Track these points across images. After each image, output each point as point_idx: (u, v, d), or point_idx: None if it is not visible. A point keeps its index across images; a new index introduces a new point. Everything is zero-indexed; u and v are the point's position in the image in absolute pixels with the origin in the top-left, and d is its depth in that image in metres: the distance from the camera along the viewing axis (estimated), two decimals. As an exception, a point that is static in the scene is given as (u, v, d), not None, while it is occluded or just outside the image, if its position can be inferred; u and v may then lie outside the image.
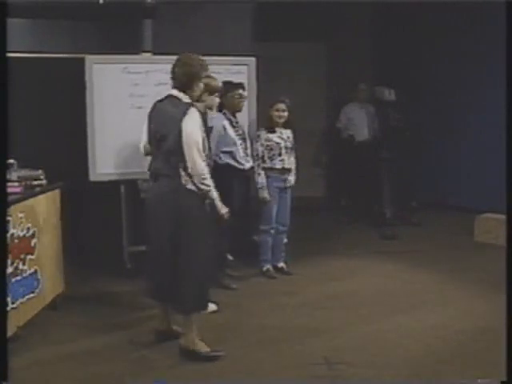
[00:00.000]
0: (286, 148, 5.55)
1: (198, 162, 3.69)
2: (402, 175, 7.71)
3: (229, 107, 5.28)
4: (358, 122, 7.88)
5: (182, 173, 3.73)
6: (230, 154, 5.19)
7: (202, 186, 3.75)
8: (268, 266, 5.64)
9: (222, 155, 5.16)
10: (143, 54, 5.95)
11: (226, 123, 5.20)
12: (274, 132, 5.52)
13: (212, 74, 4.67)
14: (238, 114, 5.40)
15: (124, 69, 5.49)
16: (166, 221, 3.78)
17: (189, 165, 3.68)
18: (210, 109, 4.72)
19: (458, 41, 7.97)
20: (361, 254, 6.35)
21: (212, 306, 4.65)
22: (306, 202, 7.09)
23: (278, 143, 5.51)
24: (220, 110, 5.24)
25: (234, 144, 5.22)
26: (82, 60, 5.37)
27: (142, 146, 4.12)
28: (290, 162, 5.58)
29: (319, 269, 5.82)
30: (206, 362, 3.79)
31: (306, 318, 4.55)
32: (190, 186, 3.75)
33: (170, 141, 3.72)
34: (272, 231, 5.59)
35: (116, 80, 5.45)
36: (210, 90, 4.61)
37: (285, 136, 5.57)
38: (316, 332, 4.28)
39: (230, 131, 5.20)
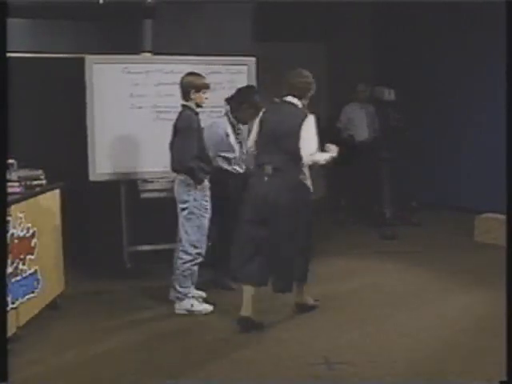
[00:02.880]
0: None
1: (308, 152, 4.16)
2: (401, 175, 7.71)
3: (237, 116, 5.15)
4: (358, 122, 7.87)
5: (300, 168, 4.24)
6: (227, 159, 5.13)
7: (312, 161, 4.25)
8: None
9: (218, 159, 5.08)
10: (143, 54, 5.96)
11: (229, 129, 5.13)
12: None
13: (200, 73, 4.73)
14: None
15: (124, 69, 5.50)
16: (284, 212, 4.17)
17: (303, 158, 4.16)
18: (200, 106, 4.68)
19: (458, 41, 7.97)
20: (361, 254, 6.34)
21: (208, 307, 4.69)
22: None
23: None
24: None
25: (233, 151, 5.14)
26: (82, 60, 5.38)
27: (251, 143, 4.52)
28: None
29: (319, 269, 5.79)
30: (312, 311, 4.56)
31: (306, 318, 4.54)
32: (306, 181, 4.28)
33: (291, 140, 4.15)
34: None
35: (116, 80, 5.47)
36: (194, 87, 4.60)
37: None
38: (316, 332, 4.28)
39: (232, 137, 5.13)
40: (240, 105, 5.12)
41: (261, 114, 4.45)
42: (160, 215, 5.54)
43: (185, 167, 4.52)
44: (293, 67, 4.53)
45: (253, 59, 5.90)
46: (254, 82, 5.76)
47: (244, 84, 5.60)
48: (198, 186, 4.58)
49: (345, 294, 5.08)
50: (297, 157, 4.19)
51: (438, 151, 8.35)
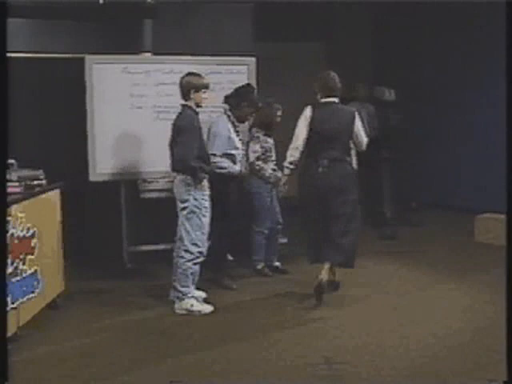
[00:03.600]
0: (274, 149, 5.67)
1: (365, 142, 4.99)
2: (402, 175, 7.70)
3: (236, 114, 5.21)
4: (359, 122, 7.86)
5: (353, 158, 5.12)
6: (231, 157, 5.15)
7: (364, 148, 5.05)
8: (262, 265, 5.66)
9: (222, 157, 5.09)
10: (143, 53, 5.96)
11: (230, 127, 5.16)
12: (270, 135, 5.60)
13: (200, 73, 4.75)
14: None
15: (124, 69, 5.51)
16: (342, 195, 4.79)
17: (362, 147, 4.99)
18: (199, 106, 4.70)
19: (459, 40, 7.97)
20: (360, 254, 6.26)
21: (208, 307, 4.69)
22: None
23: (272, 144, 5.63)
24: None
25: (236, 148, 5.18)
26: (82, 60, 5.38)
27: (301, 142, 4.85)
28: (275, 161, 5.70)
29: (318, 269, 5.80)
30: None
31: (306, 318, 4.55)
32: (356, 168, 5.19)
33: (346, 135, 4.85)
34: (266, 231, 5.63)
35: (116, 80, 5.48)
36: (194, 87, 4.61)
37: (272, 137, 5.69)
38: (316, 332, 4.28)
39: (233, 135, 5.16)
40: (239, 103, 5.16)
41: (309, 113, 4.84)
42: (160, 215, 5.56)
43: (186, 167, 4.54)
44: (325, 70, 5.15)
45: (253, 59, 5.91)
46: (254, 82, 5.77)
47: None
48: (198, 186, 4.59)
49: (344, 294, 5.08)
50: (349, 148, 4.96)
51: (437, 151, 8.35)
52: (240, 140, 5.28)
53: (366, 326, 4.36)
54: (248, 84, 5.43)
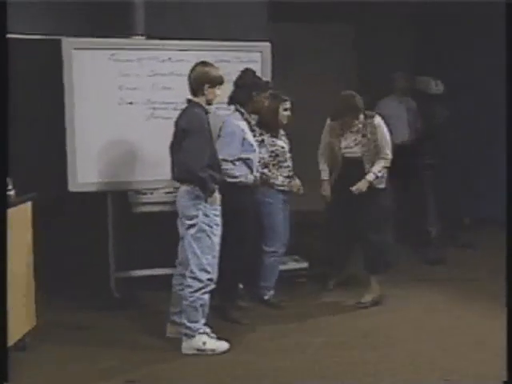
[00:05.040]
0: (289, 152, 5.64)
1: None
2: (451, 185, 7.59)
3: (251, 108, 5.20)
4: (396, 120, 7.70)
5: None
6: (248, 161, 5.11)
7: None
8: (271, 293, 5.63)
9: (237, 163, 5.06)
10: (134, 37, 5.91)
11: (245, 126, 5.13)
12: (276, 135, 5.57)
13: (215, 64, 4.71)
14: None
15: (111, 56, 5.50)
16: None
17: None
18: (209, 104, 4.65)
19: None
20: (398, 281, 6.23)
21: (224, 345, 4.63)
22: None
23: (283, 147, 5.59)
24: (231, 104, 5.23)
25: (253, 150, 5.15)
26: (59, 43, 5.35)
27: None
28: (292, 167, 5.66)
29: (346, 299, 5.74)
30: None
31: (329, 361, 4.47)
32: None
33: None
34: (281, 251, 5.62)
35: (101, 69, 5.48)
36: (210, 81, 4.54)
37: (284, 138, 5.66)
38: (341, 379, 4.18)
39: (248, 135, 5.13)
40: (249, 95, 5.15)
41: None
42: (156, 233, 5.62)
43: (195, 177, 4.47)
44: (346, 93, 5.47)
45: (268, 45, 5.92)
46: (268, 72, 5.78)
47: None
48: (209, 199, 4.50)
49: (377, 331, 5.05)
50: None
51: (495, 156, 8.20)
52: (257, 141, 5.27)
53: (404, 372, 4.28)
54: (245, 69, 5.37)
